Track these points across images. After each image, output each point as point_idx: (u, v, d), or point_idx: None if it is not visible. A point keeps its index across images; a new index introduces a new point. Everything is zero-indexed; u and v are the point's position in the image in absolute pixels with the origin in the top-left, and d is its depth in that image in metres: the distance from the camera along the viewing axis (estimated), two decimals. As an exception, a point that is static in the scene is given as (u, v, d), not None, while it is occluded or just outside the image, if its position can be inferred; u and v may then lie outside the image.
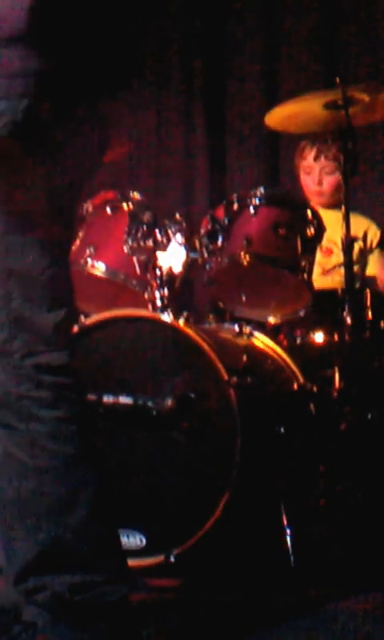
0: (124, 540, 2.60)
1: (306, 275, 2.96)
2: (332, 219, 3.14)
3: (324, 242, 3.08)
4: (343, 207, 3.04)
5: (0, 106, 1.77)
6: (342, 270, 3.04)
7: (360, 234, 3.30)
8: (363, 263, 3.48)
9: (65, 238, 1.95)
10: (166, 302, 2.88)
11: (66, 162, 1.86)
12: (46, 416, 1.86)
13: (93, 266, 2.93)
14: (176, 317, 2.77)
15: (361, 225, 3.49)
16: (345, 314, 2.95)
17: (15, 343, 1.85)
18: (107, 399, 2.71)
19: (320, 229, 2.98)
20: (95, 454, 1.92)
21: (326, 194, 3.61)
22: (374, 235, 3.56)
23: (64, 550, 1.87)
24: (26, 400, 1.86)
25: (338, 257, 3.27)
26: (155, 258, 2.92)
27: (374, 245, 3.56)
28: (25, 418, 1.86)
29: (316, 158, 3.59)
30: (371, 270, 3.52)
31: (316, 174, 3.60)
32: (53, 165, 1.84)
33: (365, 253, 3.46)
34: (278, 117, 3.26)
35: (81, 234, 2.95)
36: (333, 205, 3.56)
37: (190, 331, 2.73)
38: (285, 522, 2.67)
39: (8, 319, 1.86)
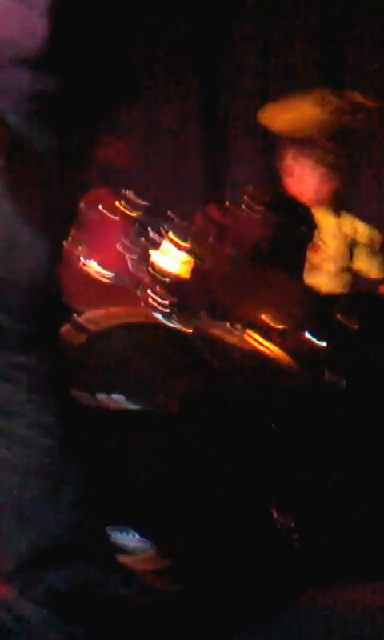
0: (119, 538, 2.64)
1: (298, 274, 2.99)
2: (322, 218, 3.17)
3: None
4: (332, 205, 3.07)
5: (10, 121, 1.80)
6: (330, 265, 3.06)
7: (351, 235, 3.32)
8: (356, 264, 3.52)
9: (56, 242, 1.96)
10: (158, 299, 2.89)
11: (65, 169, 1.89)
12: (25, 410, 1.87)
13: (85, 263, 2.95)
14: (169, 315, 2.79)
15: (351, 225, 3.51)
16: (338, 312, 2.98)
17: None
18: (102, 399, 2.71)
19: (311, 226, 3.02)
20: (78, 447, 1.94)
21: (306, 193, 3.57)
22: (363, 232, 3.58)
23: (54, 543, 1.89)
24: (4, 393, 1.88)
25: (326, 252, 3.30)
26: (148, 256, 2.93)
27: (366, 246, 3.58)
28: (4, 412, 1.88)
29: (295, 158, 3.57)
30: (359, 264, 3.54)
31: (296, 174, 3.58)
32: (52, 171, 1.87)
33: (355, 254, 3.49)
34: (273, 114, 3.29)
35: (73, 232, 2.96)
36: (319, 204, 3.56)
37: (182, 329, 2.75)
38: (276, 517, 2.69)
39: None
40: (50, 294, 1.95)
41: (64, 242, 2.01)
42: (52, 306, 1.98)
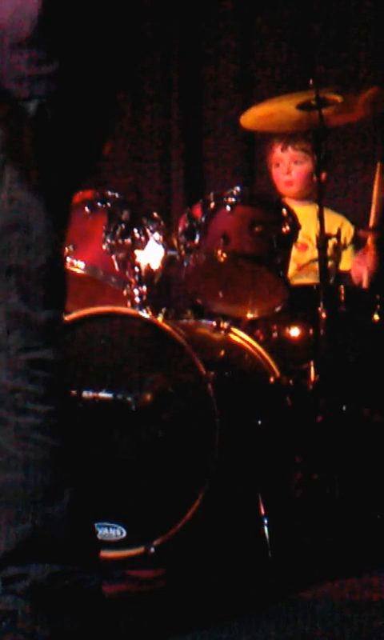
0: (105, 532, 2.67)
1: (281, 271, 2.99)
2: (307, 215, 3.19)
3: (299, 238, 3.12)
4: (317, 204, 3.09)
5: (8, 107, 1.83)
6: (317, 265, 3.08)
7: (334, 231, 3.34)
8: (337, 259, 3.54)
9: (60, 235, 1.99)
10: (144, 298, 2.91)
11: (66, 161, 1.92)
12: (38, 410, 1.90)
13: (72, 263, 2.95)
14: (154, 313, 2.80)
15: (335, 221, 3.54)
16: (320, 309, 3.00)
17: (11, 338, 1.89)
18: (87, 394, 2.73)
19: (295, 226, 3.02)
20: (77, 448, 1.97)
21: (295, 184, 3.63)
22: (347, 231, 3.62)
23: (44, 539, 1.90)
24: (19, 393, 1.90)
25: (313, 252, 3.32)
26: (134, 256, 2.94)
27: (348, 241, 3.62)
28: (16, 410, 1.90)
29: (283, 149, 3.63)
30: (345, 265, 3.58)
31: (285, 164, 3.64)
32: (53, 163, 1.90)
33: (339, 249, 3.51)
34: (254, 117, 3.31)
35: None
36: (305, 197, 3.60)
37: (168, 327, 2.75)
38: (262, 512, 2.71)
39: (5, 314, 1.90)
40: (64, 282, 1.98)
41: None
42: (65, 295, 2.00)
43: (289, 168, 3.64)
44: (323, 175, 3.15)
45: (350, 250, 3.61)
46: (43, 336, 1.91)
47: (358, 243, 3.60)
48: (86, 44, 1.87)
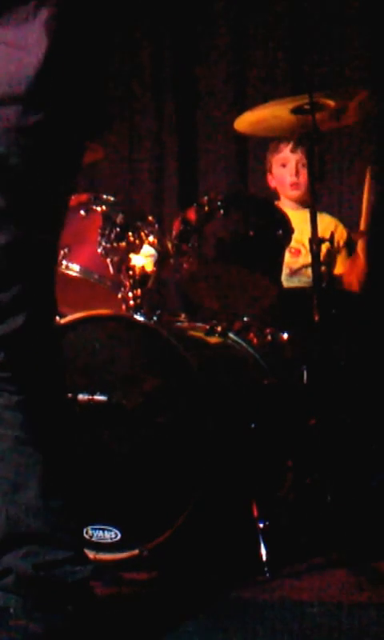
0: (99, 534, 2.67)
1: (274, 275, 3.02)
2: (300, 220, 3.20)
3: (292, 243, 3.13)
4: (311, 207, 3.10)
5: None
6: (309, 270, 3.09)
7: (327, 235, 3.36)
8: (330, 263, 3.56)
9: (54, 235, 2.05)
10: (138, 301, 2.92)
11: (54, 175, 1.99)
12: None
13: (67, 266, 2.97)
14: (149, 316, 2.81)
15: (328, 225, 3.56)
16: (313, 312, 3.00)
17: None
18: (82, 397, 2.74)
19: (288, 230, 3.04)
20: (46, 436, 1.99)
21: (302, 186, 3.64)
22: (340, 235, 3.64)
23: (20, 529, 1.93)
24: None
25: (306, 257, 3.33)
26: (128, 259, 2.96)
27: (341, 244, 3.64)
28: None
29: (293, 150, 3.64)
30: (338, 269, 3.60)
31: (293, 166, 3.65)
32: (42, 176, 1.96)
33: (332, 253, 3.53)
34: (247, 122, 3.32)
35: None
36: (303, 202, 3.60)
37: (162, 330, 2.76)
38: (255, 515, 2.71)
39: None
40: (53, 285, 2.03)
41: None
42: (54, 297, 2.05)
43: (296, 170, 3.65)
44: (319, 180, 3.16)
45: (343, 253, 3.63)
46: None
47: (351, 246, 3.62)
48: (75, 96, 1.97)
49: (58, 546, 1.95)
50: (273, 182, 3.76)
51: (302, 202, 3.61)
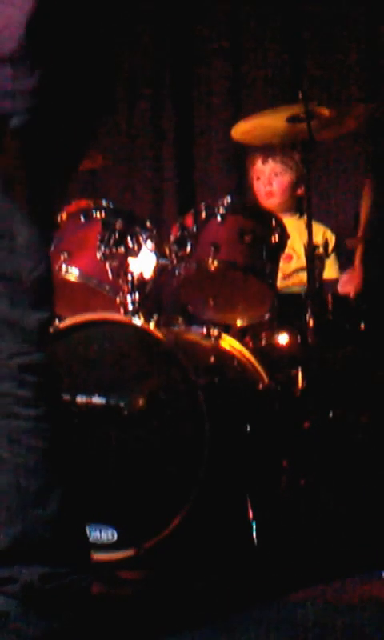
0: (96, 534, 2.68)
1: (270, 280, 3.03)
2: (291, 226, 3.23)
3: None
4: (304, 215, 3.12)
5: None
6: (301, 274, 3.12)
7: (319, 240, 3.39)
8: (321, 268, 3.59)
9: (46, 241, 2.01)
10: (136, 305, 2.94)
11: (48, 171, 1.95)
12: (26, 414, 1.91)
13: (67, 271, 3.00)
14: (146, 320, 2.83)
15: (317, 231, 3.58)
16: (307, 316, 3.03)
17: (2, 343, 1.91)
18: (81, 399, 2.76)
19: (284, 236, 3.07)
20: (68, 451, 1.98)
21: (276, 195, 3.67)
22: (329, 240, 3.67)
23: (35, 542, 1.91)
24: (8, 398, 1.91)
25: (297, 262, 3.38)
26: (127, 264, 2.98)
27: (330, 249, 3.67)
28: (5, 414, 1.91)
29: (264, 162, 3.67)
30: (328, 273, 3.63)
31: (266, 176, 3.67)
32: (35, 174, 1.93)
33: (322, 258, 3.57)
34: (244, 130, 3.34)
35: (55, 240, 2.98)
36: (286, 209, 3.63)
37: (159, 334, 2.78)
38: (251, 516, 2.74)
39: None
40: (51, 287, 1.99)
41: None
42: (53, 299, 2.02)
43: (269, 180, 3.67)
44: (302, 189, 3.18)
45: (332, 258, 3.66)
46: (33, 341, 1.93)
47: (339, 251, 3.65)
48: (68, 60, 1.87)
49: (66, 557, 1.94)
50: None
51: (284, 210, 3.63)
